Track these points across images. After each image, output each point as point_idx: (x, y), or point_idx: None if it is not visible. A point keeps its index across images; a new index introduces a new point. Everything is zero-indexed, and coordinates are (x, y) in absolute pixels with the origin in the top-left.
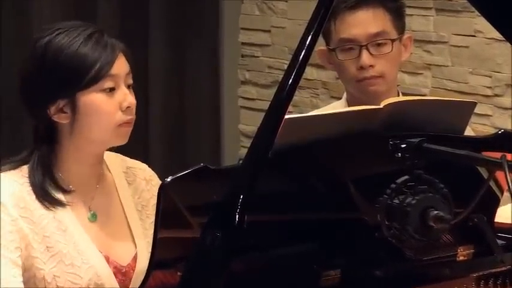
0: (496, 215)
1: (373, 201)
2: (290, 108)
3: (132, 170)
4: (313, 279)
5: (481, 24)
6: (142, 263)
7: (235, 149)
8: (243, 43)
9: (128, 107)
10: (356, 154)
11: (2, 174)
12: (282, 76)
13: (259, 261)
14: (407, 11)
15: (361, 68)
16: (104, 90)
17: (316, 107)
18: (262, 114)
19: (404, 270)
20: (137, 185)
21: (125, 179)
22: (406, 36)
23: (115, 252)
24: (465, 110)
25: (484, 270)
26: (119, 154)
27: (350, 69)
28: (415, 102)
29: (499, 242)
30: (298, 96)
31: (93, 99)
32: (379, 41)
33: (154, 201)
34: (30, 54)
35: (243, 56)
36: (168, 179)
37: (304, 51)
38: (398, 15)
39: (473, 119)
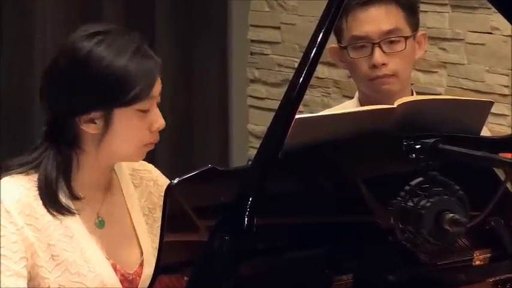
0: None
1: (386, 204)
2: (301, 107)
3: (138, 172)
4: (325, 284)
5: (498, 21)
6: (149, 270)
7: (244, 150)
8: (252, 40)
9: (158, 128)
10: (369, 155)
11: (8, 178)
12: (292, 74)
13: (269, 266)
14: (422, 7)
15: (374, 66)
16: (139, 110)
17: (328, 106)
18: (272, 114)
19: (419, 275)
20: (144, 187)
21: (131, 182)
22: (420, 33)
23: (122, 259)
24: (481, 109)
25: (501, 275)
26: None
27: (362, 67)
28: (429, 102)
29: None
30: (309, 95)
31: (128, 117)
32: (392, 39)
33: (161, 202)
34: (65, 59)
35: (252, 53)
36: (175, 181)
37: (315, 49)
38: (412, 12)
39: (489, 118)
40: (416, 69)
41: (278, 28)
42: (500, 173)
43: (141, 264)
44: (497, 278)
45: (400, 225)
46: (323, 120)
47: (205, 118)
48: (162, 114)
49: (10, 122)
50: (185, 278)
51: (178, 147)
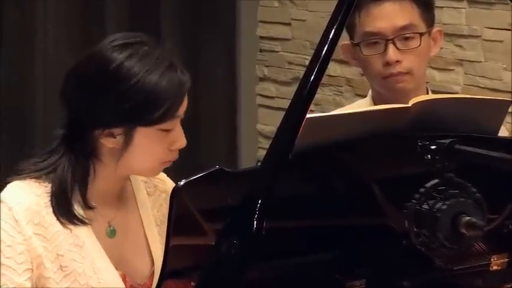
0: None
1: (400, 207)
2: (312, 106)
3: (153, 180)
4: None
5: None
6: None
7: (253, 151)
8: (261, 37)
9: (179, 147)
10: (382, 156)
11: (18, 182)
12: (303, 72)
13: (279, 271)
14: (438, 2)
15: (387, 63)
16: (162, 129)
17: (340, 105)
18: (282, 113)
19: (434, 280)
20: (156, 197)
21: (145, 189)
22: (435, 29)
23: (132, 270)
24: (499, 109)
25: None
26: None
27: (375, 65)
28: (445, 101)
29: None
30: (321, 94)
31: (150, 136)
32: (407, 35)
33: None
34: (92, 69)
35: (261, 50)
36: (181, 183)
37: (326, 45)
38: (427, 7)
39: (507, 118)
40: (432, 67)
41: (288, 24)
42: None
43: (152, 276)
44: None
45: (415, 229)
46: (335, 120)
47: (212, 118)
48: None
49: (10, 122)
50: (192, 284)
51: (184, 148)
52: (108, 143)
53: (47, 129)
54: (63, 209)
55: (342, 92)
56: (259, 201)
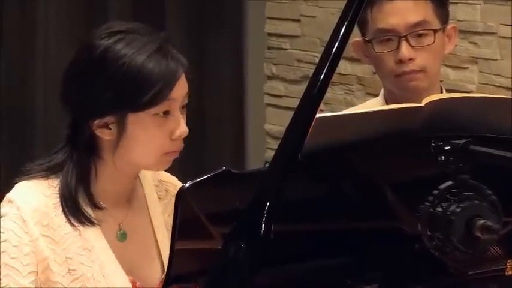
0: None
1: (413, 209)
2: (322, 106)
3: (165, 184)
4: None
5: None
6: None
7: (261, 151)
8: (269, 34)
9: (179, 136)
10: (394, 157)
11: (27, 182)
12: (312, 70)
13: (287, 275)
14: None
15: (400, 61)
16: (157, 114)
17: (351, 104)
18: (291, 113)
19: (448, 285)
20: (168, 201)
21: (156, 193)
22: (450, 26)
23: (142, 275)
24: None
25: None
26: None
27: (388, 62)
28: (460, 100)
29: None
30: (331, 92)
31: (144, 123)
32: (420, 32)
33: None
34: (83, 57)
35: (269, 48)
36: (187, 184)
37: (337, 43)
38: (441, 3)
39: None
40: (446, 65)
41: (297, 21)
42: None
43: (162, 282)
44: None
45: (428, 232)
46: (345, 120)
47: (219, 118)
48: None
49: (10, 122)
50: None
51: (190, 149)
52: (104, 134)
53: (48, 129)
54: (71, 208)
55: (352, 91)
56: (267, 204)
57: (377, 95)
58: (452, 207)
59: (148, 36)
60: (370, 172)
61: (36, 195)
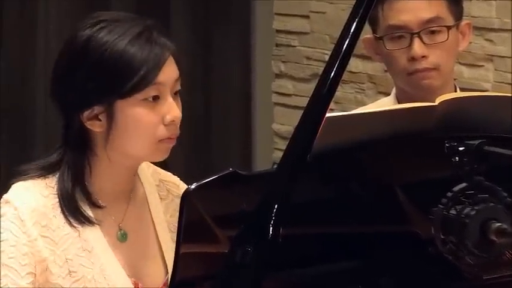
0: None
1: (426, 212)
2: (332, 105)
3: (166, 184)
4: None
5: None
6: None
7: (269, 152)
8: (277, 31)
9: (172, 121)
10: (407, 158)
11: (24, 182)
12: (322, 68)
13: (296, 280)
14: None
15: (413, 59)
16: (146, 100)
17: (362, 103)
18: (299, 112)
19: None
20: (170, 201)
21: (158, 193)
22: (464, 22)
23: (144, 277)
24: None
25: None
26: (151, 164)
27: (400, 60)
28: (474, 99)
29: None
30: (341, 91)
31: (133, 110)
32: (433, 28)
33: None
34: (67, 49)
35: (277, 45)
36: (193, 186)
37: (347, 40)
38: None
39: None
40: (460, 63)
41: (307, 17)
42: None
43: (165, 284)
44: None
45: (442, 236)
46: (356, 119)
47: (225, 117)
48: None
49: (10, 121)
50: None
51: (195, 149)
52: (95, 126)
53: (48, 128)
54: (69, 208)
55: (363, 90)
56: (276, 206)
57: (389, 94)
58: (467, 210)
59: (131, 22)
60: (381, 173)
61: (34, 196)
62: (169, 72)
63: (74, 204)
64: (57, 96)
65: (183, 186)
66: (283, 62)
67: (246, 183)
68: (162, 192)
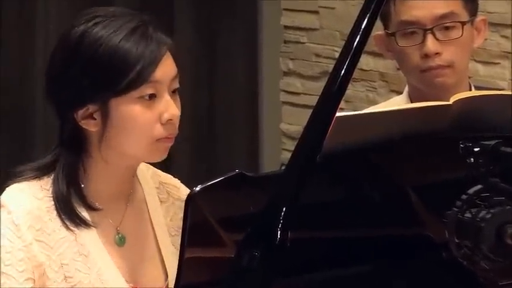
0: None
1: (440, 215)
2: (342, 104)
3: (166, 186)
4: None
5: None
6: None
7: (276, 153)
8: (285, 27)
9: (170, 119)
10: (420, 159)
11: (18, 185)
12: (332, 66)
13: (304, 285)
14: None
15: (426, 56)
16: (142, 98)
17: (373, 102)
18: (308, 112)
19: None
20: (170, 204)
21: (157, 196)
22: (479, 18)
23: (143, 282)
24: None
25: None
26: (150, 165)
27: (413, 57)
28: (490, 98)
29: None
30: (352, 89)
31: (129, 109)
32: (447, 24)
33: None
34: (61, 45)
35: (285, 42)
36: (197, 188)
37: (358, 36)
38: None
39: None
40: (475, 60)
41: (316, 12)
42: None
43: None
44: None
45: (456, 240)
46: (368, 119)
47: (231, 117)
48: (181, 111)
49: (10, 121)
50: None
51: (200, 150)
52: (89, 126)
53: (47, 128)
54: (64, 210)
55: (375, 88)
56: (284, 209)
57: (401, 92)
58: (482, 213)
59: (127, 17)
60: (393, 175)
61: (28, 198)
62: (167, 69)
63: (69, 206)
64: (52, 94)
65: (184, 189)
66: (292, 59)
67: (253, 185)
68: (162, 195)
